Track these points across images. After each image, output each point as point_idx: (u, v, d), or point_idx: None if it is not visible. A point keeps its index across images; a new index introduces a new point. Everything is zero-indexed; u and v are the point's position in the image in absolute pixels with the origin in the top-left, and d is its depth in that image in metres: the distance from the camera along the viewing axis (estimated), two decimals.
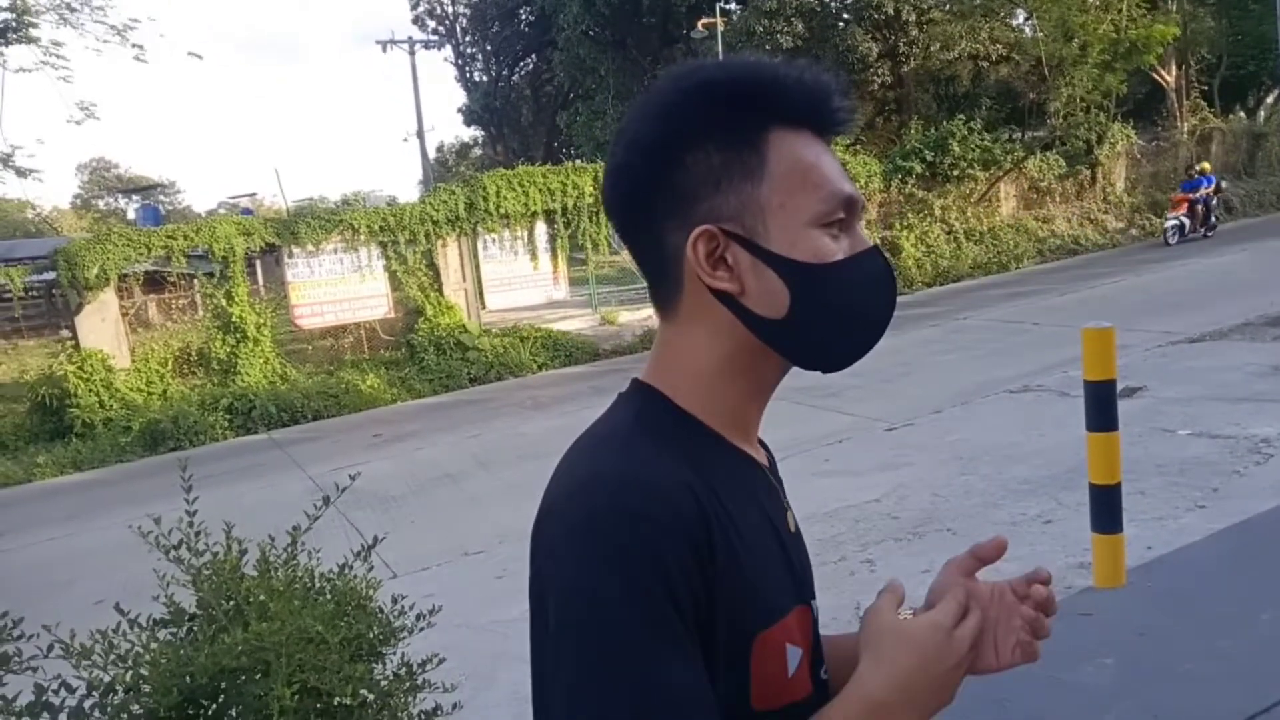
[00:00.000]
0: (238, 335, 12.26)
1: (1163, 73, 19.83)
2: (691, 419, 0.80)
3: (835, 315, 0.78)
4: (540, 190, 13.81)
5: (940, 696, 0.75)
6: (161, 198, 41.92)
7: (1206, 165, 17.20)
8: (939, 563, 3.53)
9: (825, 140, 0.81)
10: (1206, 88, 21.72)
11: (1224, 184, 17.58)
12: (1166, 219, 16.27)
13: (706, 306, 0.78)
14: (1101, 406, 3.68)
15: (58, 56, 13.15)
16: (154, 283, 12.68)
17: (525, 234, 14.04)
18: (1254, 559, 3.86)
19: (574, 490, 0.74)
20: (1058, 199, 18.30)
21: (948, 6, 19.11)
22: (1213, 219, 16.56)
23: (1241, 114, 23.52)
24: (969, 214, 17.15)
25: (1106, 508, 3.69)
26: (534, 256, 14.14)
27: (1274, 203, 19.75)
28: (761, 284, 0.76)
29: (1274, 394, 6.25)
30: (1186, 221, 16.11)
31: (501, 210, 13.63)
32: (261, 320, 12.49)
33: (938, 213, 16.75)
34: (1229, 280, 11.66)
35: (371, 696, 2.04)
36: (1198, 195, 16.35)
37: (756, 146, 0.76)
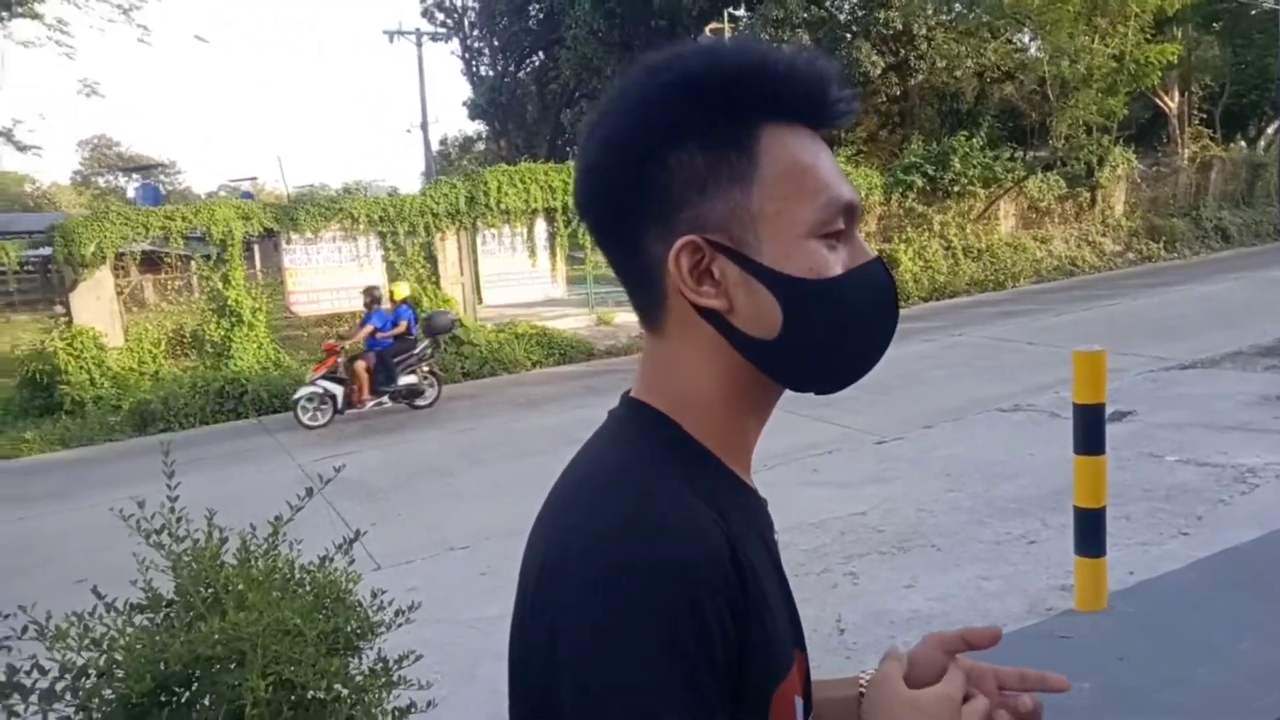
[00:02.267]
0: (232, 319, 12.22)
1: (1165, 98, 19.93)
2: (700, 447, 0.72)
3: (833, 334, 0.70)
4: (542, 187, 13.80)
5: None
6: (162, 178, 41.78)
7: (403, 289, 10.89)
8: (923, 578, 3.56)
9: (822, 135, 0.72)
10: (1208, 115, 21.84)
11: (435, 343, 11.31)
12: (302, 389, 9.97)
13: (694, 323, 0.70)
14: (1090, 430, 3.69)
15: (62, 32, 13.11)
16: (151, 262, 12.66)
17: (525, 231, 14.03)
18: (1235, 588, 3.87)
19: (592, 535, 0.63)
20: (1056, 220, 18.37)
21: (954, 24, 19.15)
22: (416, 382, 10.29)
23: (1242, 143, 23.64)
24: (968, 230, 17.20)
25: (1090, 531, 3.70)
26: (533, 253, 14.13)
27: (1270, 233, 19.86)
28: (752, 301, 0.68)
29: (1262, 424, 6.27)
30: (337, 392, 9.83)
31: (502, 206, 13.62)
32: (257, 305, 12.46)
33: (937, 228, 16.80)
34: (1223, 308, 11.71)
35: (346, 691, 2.03)
36: (379, 339, 10.13)
37: (746, 147, 0.68)
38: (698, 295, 0.69)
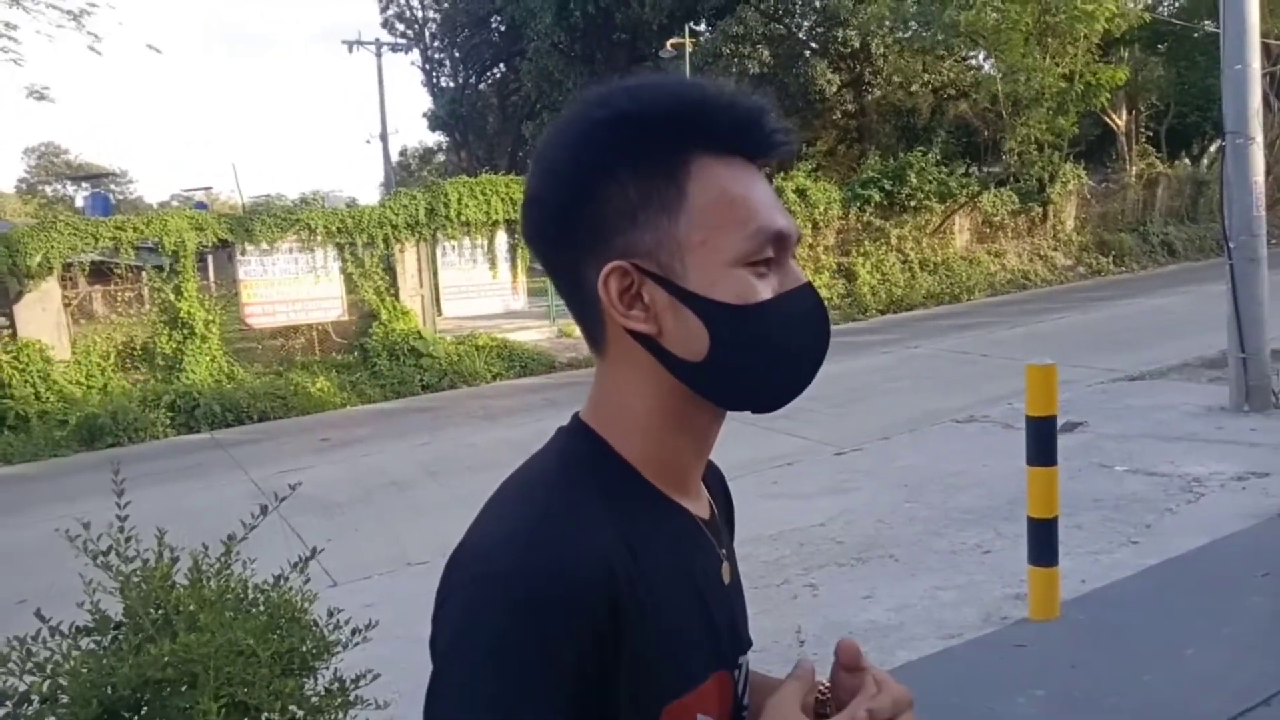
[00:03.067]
0: (185, 331, 11.99)
1: (1114, 116, 20.49)
2: (626, 468, 0.75)
3: (759, 356, 0.73)
4: (502, 199, 13.76)
5: None
6: (112, 187, 40.92)
7: None
8: (881, 589, 3.61)
9: (760, 167, 0.76)
10: (1154, 133, 22.49)
11: None
12: None
13: (628, 347, 0.74)
14: (1041, 442, 3.76)
15: (10, 39, 12.80)
16: (100, 273, 12.33)
17: (485, 242, 13.97)
18: (1182, 595, 3.97)
19: (479, 543, 0.70)
20: (1010, 234, 18.75)
21: (910, 42, 19.52)
22: None
23: (1186, 160, 24.36)
24: (924, 244, 17.48)
25: (1043, 541, 3.77)
26: (493, 265, 14.06)
27: (1213, 247, 20.43)
28: (680, 325, 0.71)
29: (1206, 434, 6.45)
30: None
31: (462, 217, 13.55)
32: (210, 317, 12.24)
33: (894, 242, 17.05)
34: (1170, 321, 12.04)
35: (301, 713, 2.00)
36: None
37: (675, 177, 0.71)
38: (627, 319, 0.72)
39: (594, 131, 0.73)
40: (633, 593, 0.68)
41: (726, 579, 0.81)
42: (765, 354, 0.73)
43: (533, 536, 0.67)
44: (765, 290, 0.72)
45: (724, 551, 0.83)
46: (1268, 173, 8.53)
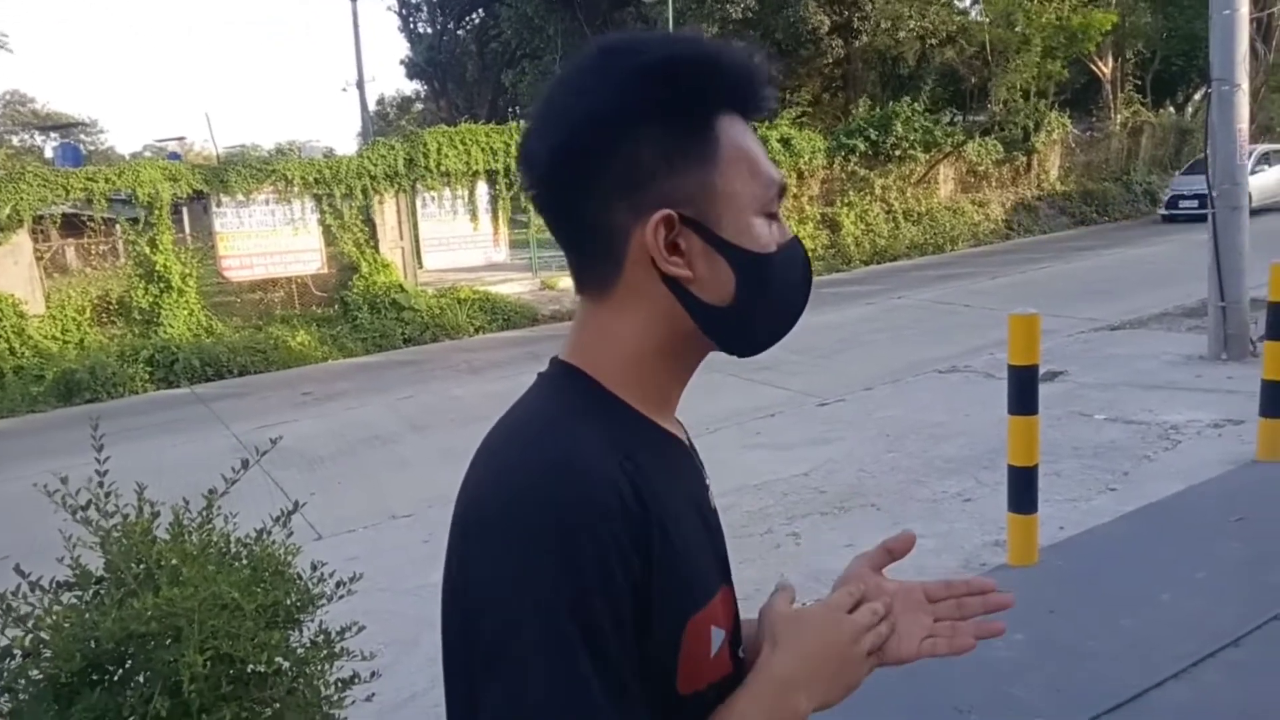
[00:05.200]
0: (161, 285, 11.82)
1: (1100, 64, 20.33)
2: (617, 400, 0.78)
3: (771, 303, 0.79)
4: (483, 149, 13.55)
5: (844, 675, 0.77)
6: (83, 137, 39.99)
7: None
8: (863, 538, 3.65)
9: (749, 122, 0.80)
10: (1141, 81, 22.34)
11: None
12: None
13: (648, 290, 0.76)
14: (1023, 391, 3.78)
15: None
16: (72, 226, 12.09)
17: (466, 193, 13.78)
18: (1158, 541, 4.04)
19: (501, 479, 0.72)
20: (994, 184, 18.70)
21: None
22: None
23: (1171, 109, 24.27)
24: (908, 194, 17.42)
25: (1023, 489, 3.82)
26: (474, 217, 13.90)
27: None
28: (712, 271, 0.76)
29: (1185, 383, 6.52)
30: None
31: (442, 168, 13.34)
32: (187, 270, 12.06)
33: (878, 192, 16.97)
34: (1151, 271, 12.11)
35: (287, 664, 2.00)
36: None
37: (708, 130, 0.75)
38: (668, 264, 0.75)
39: (635, 81, 0.74)
40: (654, 509, 0.72)
41: (713, 503, 0.86)
42: (775, 300, 0.80)
43: (556, 460, 0.70)
44: (773, 241, 0.78)
45: (707, 479, 0.87)
46: (1251, 121, 8.51)
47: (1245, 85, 6.90)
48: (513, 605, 0.66)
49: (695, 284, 0.76)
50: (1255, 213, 15.66)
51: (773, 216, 0.78)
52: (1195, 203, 16.16)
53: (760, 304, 0.78)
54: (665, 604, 0.71)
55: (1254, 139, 14.71)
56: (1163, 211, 17.48)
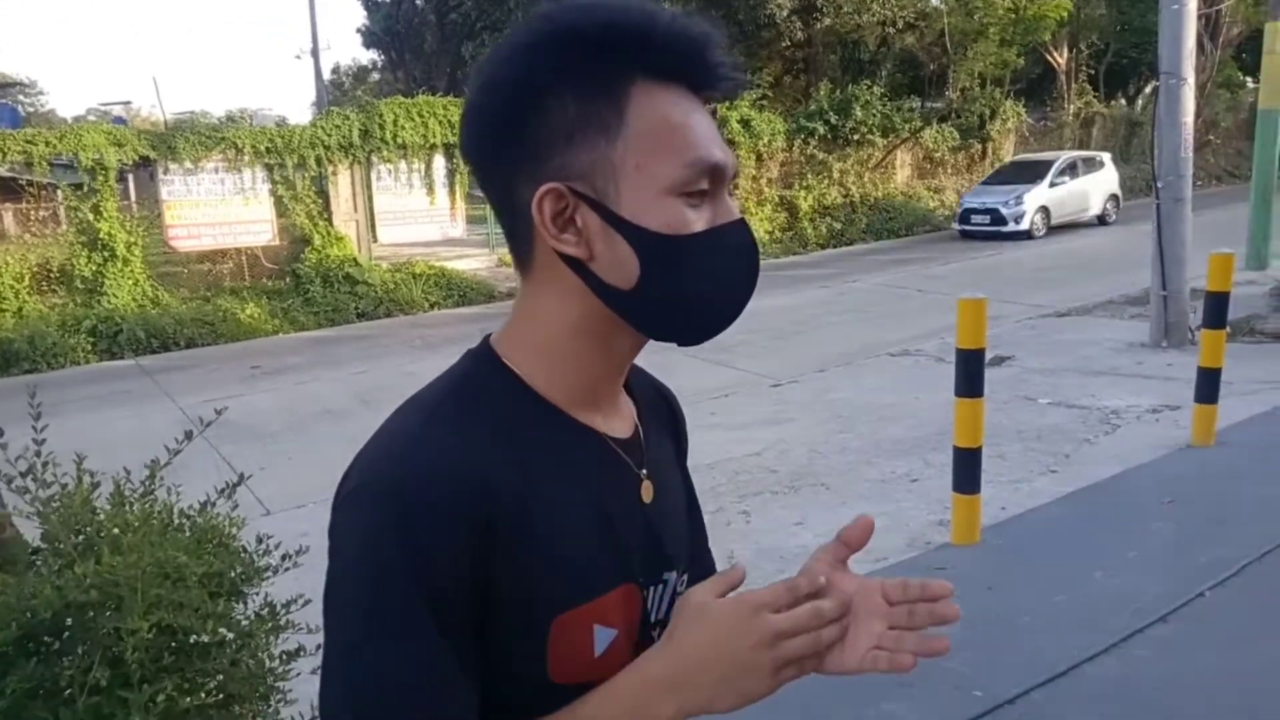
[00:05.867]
0: (105, 253, 11.49)
1: (1055, 54, 20.66)
2: (523, 388, 0.75)
3: (687, 289, 0.72)
4: (440, 122, 13.36)
5: (738, 682, 0.67)
6: (21, 98, 38.49)
7: None
8: (812, 516, 3.69)
9: (703, 99, 0.74)
10: (1094, 73, 22.76)
11: None
12: None
13: (556, 269, 0.73)
14: (970, 374, 3.87)
15: None
16: (10, 190, 11.67)
17: (423, 167, 13.59)
18: (1094, 521, 4.17)
19: (361, 456, 0.73)
20: (949, 170, 18.94)
21: None
22: None
23: (1123, 101, 24.76)
24: (866, 179, 17.57)
25: (967, 469, 3.91)
26: (431, 191, 13.72)
27: (1144, 188, 20.97)
28: (611, 251, 0.71)
29: (1127, 369, 6.71)
30: None
31: (398, 140, 13.13)
32: (132, 239, 11.74)
33: (836, 175, 17.09)
34: (1098, 259, 12.39)
35: (231, 635, 1.98)
36: None
37: (616, 100, 0.69)
38: (559, 242, 0.71)
39: (537, 46, 0.71)
40: (519, 507, 0.69)
41: (647, 498, 0.81)
42: (694, 287, 0.73)
43: (408, 450, 0.69)
44: (698, 222, 0.71)
45: (644, 471, 0.81)
46: (1197, 115, 8.74)
47: (1191, 80, 7.07)
48: (349, 581, 0.68)
49: (595, 263, 0.71)
50: (1053, 230, 14.81)
51: (702, 197, 0.72)
52: (987, 218, 14.95)
53: (674, 287, 0.71)
54: (523, 599, 0.69)
55: (1199, 133, 14.90)
56: (957, 226, 15.83)
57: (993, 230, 14.97)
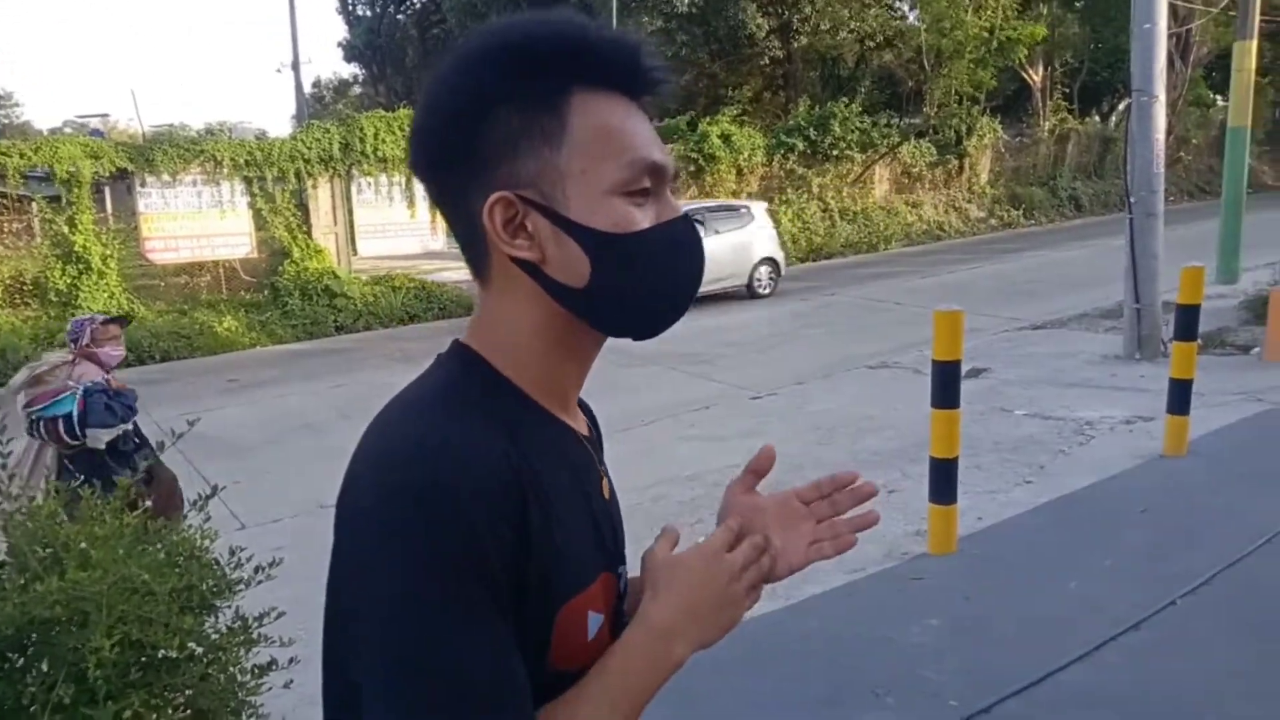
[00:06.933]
0: (80, 266, 11.38)
1: (1030, 72, 20.95)
2: (508, 384, 0.78)
3: (636, 284, 0.76)
4: None
5: (722, 617, 0.78)
6: None
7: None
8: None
9: (640, 104, 0.78)
10: (1069, 90, 23.10)
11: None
12: None
13: (513, 274, 0.76)
14: (946, 385, 3.90)
15: None
16: None
17: (403, 180, 13.56)
18: (1069, 532, 4.20)
19: (382, 458, 0.71)
20: (927, 185, 19.15)
21: None
22: None
23: (1097, 118, 25.13)
24: (844, 194, 17.73)
25: (944, 480, 3.93)
26: (411, 204, 13.69)
27: (1118, 203, 21.27)
28: (562, 252, 0.74)
29: (1101, 381, 6.78)
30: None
31: (379, 153, 13.12)
32: (108, 251, 11.64)
33: (815, 190, 17.24)
34: (1073, 273, 12.53)
35: (200, 650, 1.96)
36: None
37: (557, 109, 0.73)
38: (511, 248, 0.75)
39: (479, 62, 0.74)
40: (535, 489, 0.71)
41: (607, 494, 0.86)
42: (643, 281, 0.76)
43: (434, 442, 0.69)
44: (644, 220, 0.75)
45: (603, 468, 0.87)
46: (1169, 132, 8.88)
47: (1163, 97, 7.19)
48: (409, 585, 0.66)
49: (548, 265, 0.75)
50: (700, 300, 11.39)
51: (645, 195, 0.76)
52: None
53: (623, 284, 0.75)
54: (540, 588, 0.71)
55: (1171, 149, 15.07)
56: None
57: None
